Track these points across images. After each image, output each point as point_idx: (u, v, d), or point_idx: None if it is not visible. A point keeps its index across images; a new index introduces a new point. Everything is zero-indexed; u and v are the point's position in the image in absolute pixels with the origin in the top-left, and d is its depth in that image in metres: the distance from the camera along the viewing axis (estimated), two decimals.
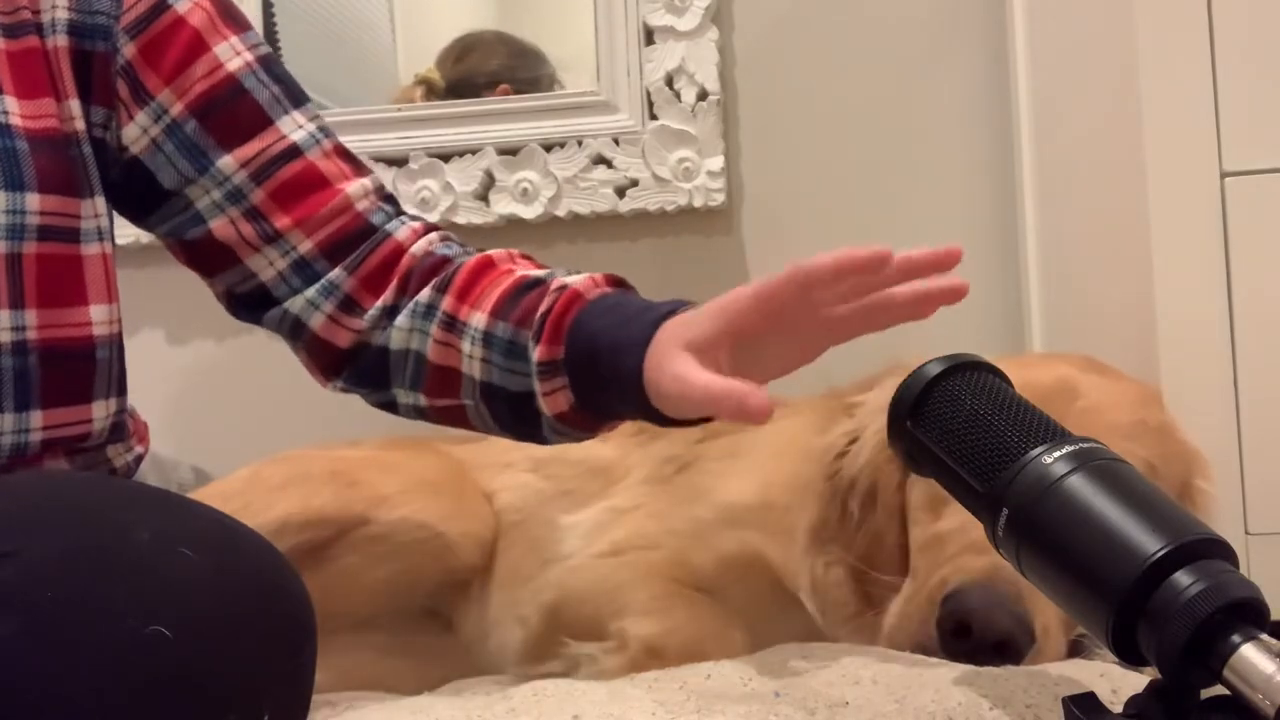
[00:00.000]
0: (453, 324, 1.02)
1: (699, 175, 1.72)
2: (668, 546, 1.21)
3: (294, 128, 1.06)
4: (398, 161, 1.79)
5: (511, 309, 0.99)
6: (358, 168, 1.09)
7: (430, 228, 1.10)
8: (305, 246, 1.05)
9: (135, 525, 0.77)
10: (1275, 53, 1.24)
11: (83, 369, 1.00)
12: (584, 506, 1.32)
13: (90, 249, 1.00)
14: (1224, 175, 1.23)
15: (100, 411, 1.02)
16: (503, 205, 1.76)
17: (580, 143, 1.75)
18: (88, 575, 0.72)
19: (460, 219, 1.77)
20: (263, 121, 1.05)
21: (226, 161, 1.04)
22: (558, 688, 0.93)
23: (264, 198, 1.05)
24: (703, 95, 1.71)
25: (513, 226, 1.78)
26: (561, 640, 1.15)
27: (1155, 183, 1.25)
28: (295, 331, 1.10)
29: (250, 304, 1.10)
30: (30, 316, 0.96)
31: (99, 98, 1.01)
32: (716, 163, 1.71)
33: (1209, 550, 0.65)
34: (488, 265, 1.04)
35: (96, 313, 1.00)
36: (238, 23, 1.07)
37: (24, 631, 0.69)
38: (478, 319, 1.00)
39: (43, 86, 0.98)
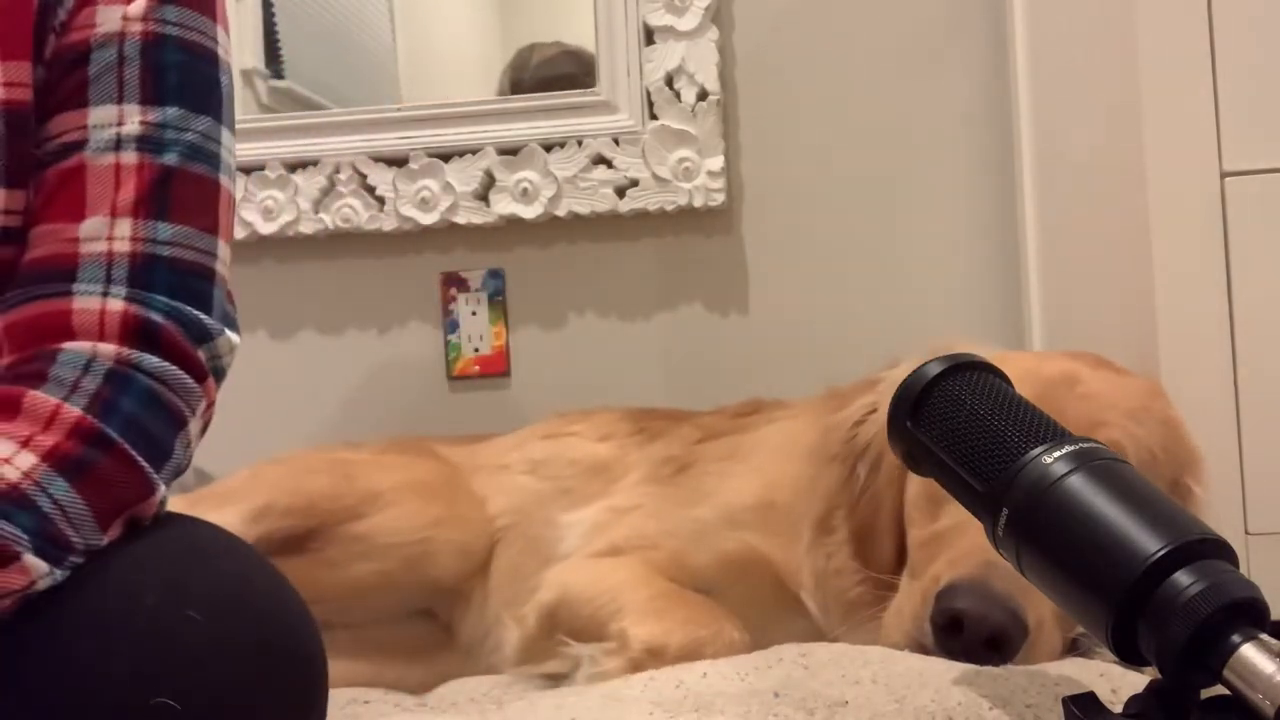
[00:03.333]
0: None
1: (699, 175, 1.71)
2: (667, 547, 1.21)
3: (108, 121, 0.82)
4: (398, 161, 1.79)
5: None
6: (139, 201, 0.82)
7: (133, 325, 0.81)
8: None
9: (142, 588, 0.74)
10: (1275, 53, 1.24)
11: None
12: (583, 505, 1.32)
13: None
14: (1224, 175, 1.23)
15: None
16: (503, 205, 1.76)
17: (580, 143, 1.74)
18: (91, 642, 0.71)
19: (460, 219, 1.77)
20: (81, 100, 0.83)
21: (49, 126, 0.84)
22: (552, 694, 0.93)
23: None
24: (703, 95, 1.71)
25: (513, 226, 1.78)
26: (560, 640, 1.15)
27: (1155, 183, 1.25)
28: None
29: None
30: None
31: (40, 56, 0.84)
32: (716, 163, 1.71)
33: (1209, 550, 0.65)
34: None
35: None
36: None
37: (25, 699, 0.68)
38: None
39: (24, 47, 0.82)
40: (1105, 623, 0.65)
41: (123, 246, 0.81)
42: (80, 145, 0.81)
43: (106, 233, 0.81)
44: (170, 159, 0.83)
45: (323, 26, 2.07)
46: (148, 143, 0.83)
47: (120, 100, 0.82)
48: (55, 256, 0.80)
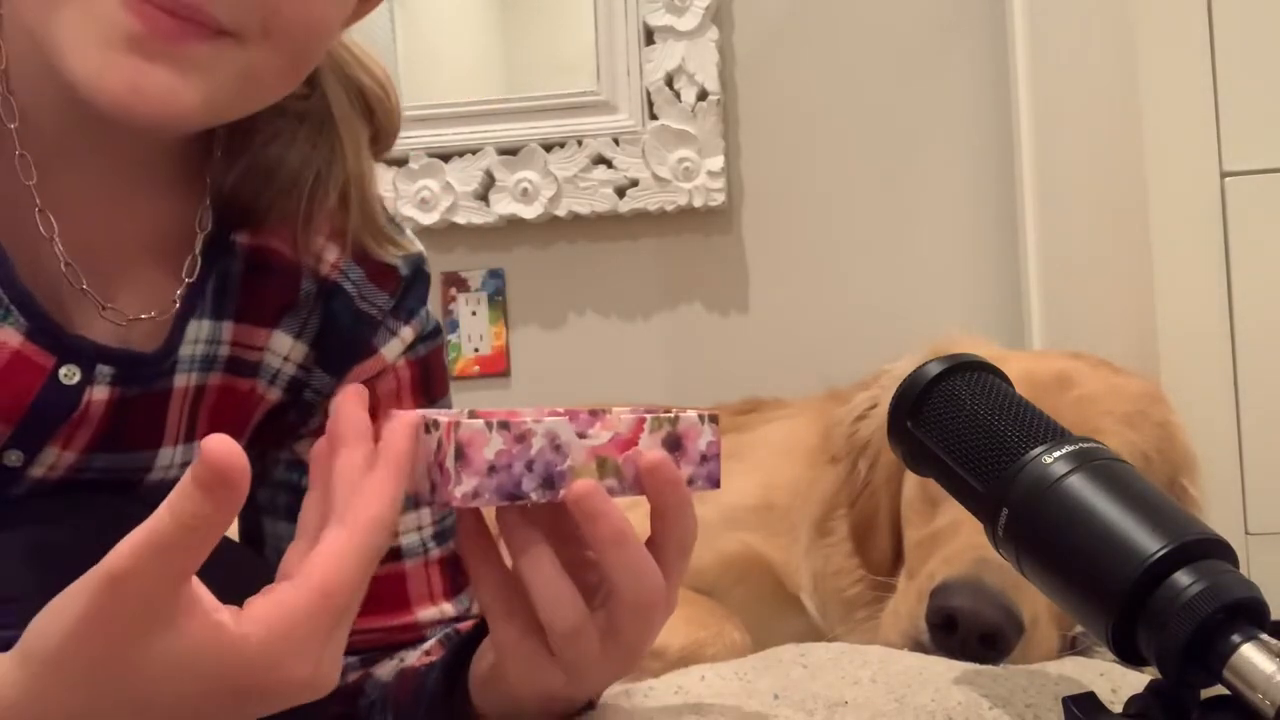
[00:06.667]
0: None
1: (699, 175, 1.72)
2: None
3: (410, 529, 0.91)
4: (398, 161, 1.79)
5: None
6: (452, 583, 0.93)
7: None
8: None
9: None
10: (1275, 53, 1.24)
11: None
12: None
13: None
14: (1224, 175, 1.23)
15: None
16: (503, 205, 1.76)
17: (580, 143, 1.75)
18: None
19: (460, 219, 1.77)
20: None
21: None
22: None
23: None
24: (703, 95, 1.71)
25: (513, 226, 1.78)
26: None
27: (1155, 183, 1.25)
28: None
29: None
30: None
31: (267, 441, 0.90)
32: (716, 163, 1.71)
33: (1209, 550, 0.64)
34: None
35: None
36: (430, 392, 0.92)
37: None
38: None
39: (238, 431, 0.87)
40: (1105, 623, 0.65)
41: (445, 623, 0.91)
42: (395, 553, 0.89)
43: (436, 618, 0.90)
44: (450, 542, 0.92)
45: None
46: (439, 538, 0.92)
47: (415, 507, 0.90)
48: (406, 636, 0.89)
